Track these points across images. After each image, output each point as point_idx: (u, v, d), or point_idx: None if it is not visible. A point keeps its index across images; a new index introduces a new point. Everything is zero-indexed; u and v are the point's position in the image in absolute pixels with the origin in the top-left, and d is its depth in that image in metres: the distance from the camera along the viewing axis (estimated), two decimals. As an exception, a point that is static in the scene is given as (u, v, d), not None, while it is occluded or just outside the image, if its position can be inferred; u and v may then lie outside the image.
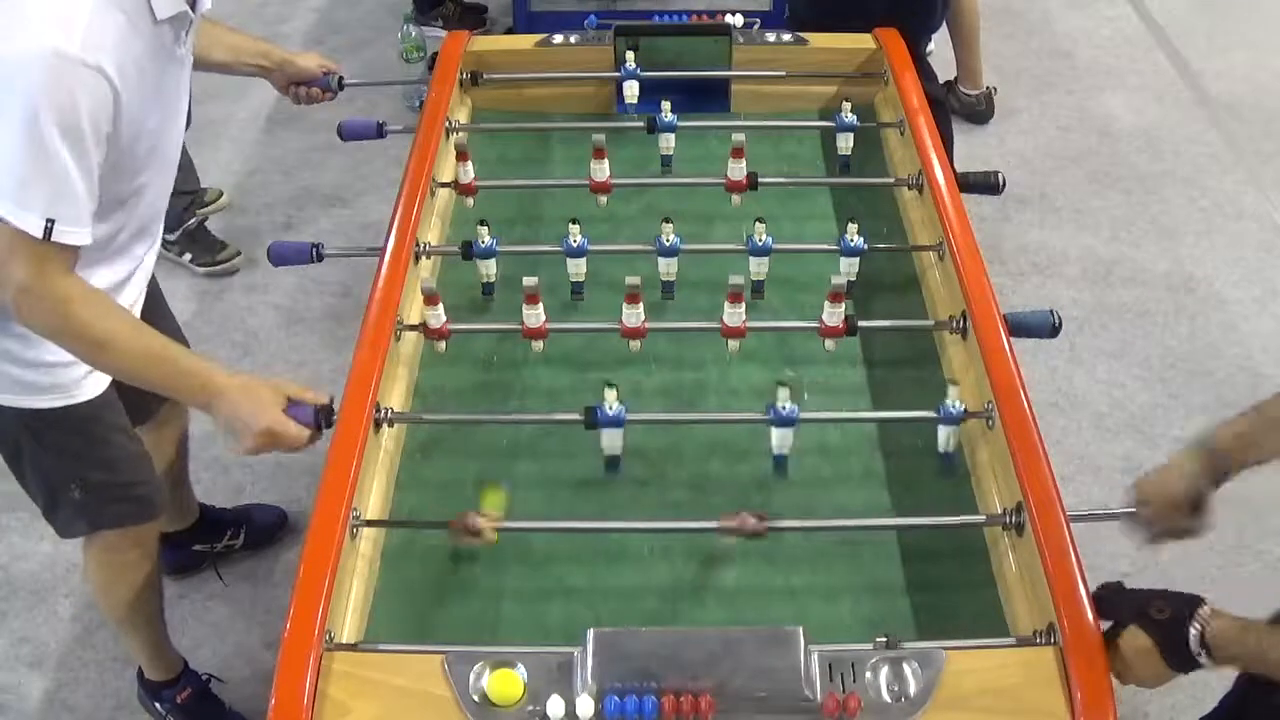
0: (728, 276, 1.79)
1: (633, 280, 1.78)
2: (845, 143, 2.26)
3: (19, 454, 1.93)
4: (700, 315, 1.95)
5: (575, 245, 1.96)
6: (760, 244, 1.96)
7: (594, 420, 1.68)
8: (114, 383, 1.91)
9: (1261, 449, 1.52)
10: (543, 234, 2.15)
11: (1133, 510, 1.58)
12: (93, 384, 1.86)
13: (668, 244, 1.96)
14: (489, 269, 2.01)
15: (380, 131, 2.35)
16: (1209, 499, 1.55)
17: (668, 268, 1.98)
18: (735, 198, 2.13)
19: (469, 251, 1.99)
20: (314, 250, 2.05)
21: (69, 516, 2.01)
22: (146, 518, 2.06)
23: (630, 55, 2.31)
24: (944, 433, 1.72)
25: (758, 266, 1.98)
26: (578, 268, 1.98)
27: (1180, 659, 1.35)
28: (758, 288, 1.99)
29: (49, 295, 1.58)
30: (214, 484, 2.79)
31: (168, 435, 2.37)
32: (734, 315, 1.83)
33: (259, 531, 2.66)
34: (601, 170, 2.10)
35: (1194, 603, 1.36)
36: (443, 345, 1.86)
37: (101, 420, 1.91)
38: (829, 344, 1.86)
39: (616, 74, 2.46)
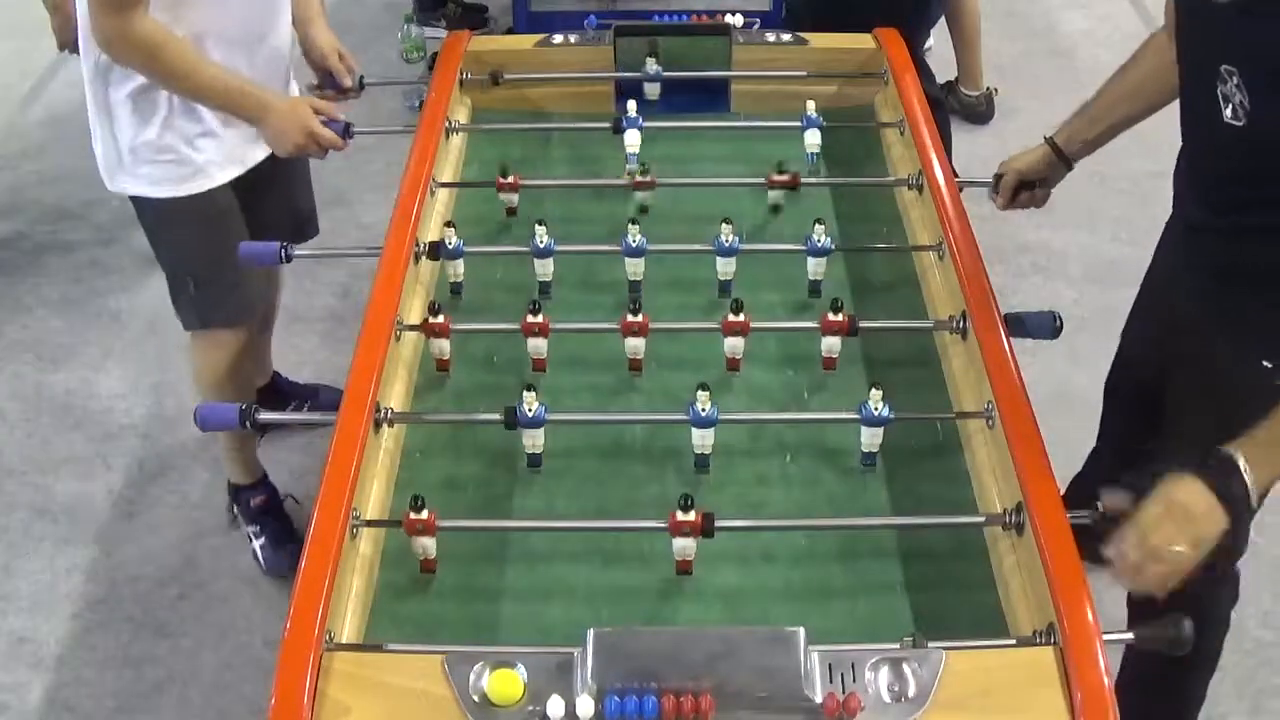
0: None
1: (634, 317, 1.82)
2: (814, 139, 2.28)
3: (155, 244, 2.36)
4: (700, 314, 1.96)
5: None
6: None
7: (513, 421, 1.70)
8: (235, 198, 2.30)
9: (1090, 143, 2.06)
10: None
11: (995, 178, 2.15)
12: (209, 177, 2.22)
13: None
14: (457, 269, 2.03)
15: (347, 132, 2.35)
16: (1055, 180, 2.12)
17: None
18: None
19: (436, 253, 2.00)
20: (282, 251, 2.03)
21: (187, 309, 2.40)
22: (248, 316, 2.46)
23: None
24: (866, 434, 1.72)
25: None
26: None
27: (1235, 494, 1.42)
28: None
29: (134, 38, 1.96)
30: (214, 482, 2.79)
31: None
32: (733, 347, 1.85)
33: (322, 410, 2.72)
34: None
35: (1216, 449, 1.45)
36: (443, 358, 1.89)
37: (219, 215, 2.27)
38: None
39: (617, 74, 2.47)
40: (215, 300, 2.37)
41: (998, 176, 2.15)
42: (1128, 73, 1.99)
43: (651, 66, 2.44)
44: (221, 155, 2.23)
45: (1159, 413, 1.99)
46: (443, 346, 1.88)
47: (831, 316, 1.84)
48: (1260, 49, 1.55)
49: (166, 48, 2.00)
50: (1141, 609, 2.07)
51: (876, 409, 1.69)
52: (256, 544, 2.65)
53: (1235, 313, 1.74)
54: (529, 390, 1.69)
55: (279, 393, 2.91)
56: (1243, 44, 1.57)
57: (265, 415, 1.78)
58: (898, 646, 1.39)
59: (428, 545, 1.59)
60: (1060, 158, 2.08)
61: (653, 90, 2.46)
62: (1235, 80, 1.57)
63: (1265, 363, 1.72)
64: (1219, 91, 1.60)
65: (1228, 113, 1.60)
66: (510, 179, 2.15)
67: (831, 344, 1.87)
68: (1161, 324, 1.96)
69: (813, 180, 2.24)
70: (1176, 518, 1.43)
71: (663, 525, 1.55)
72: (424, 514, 1.56)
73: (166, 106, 2.13)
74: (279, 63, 2.27)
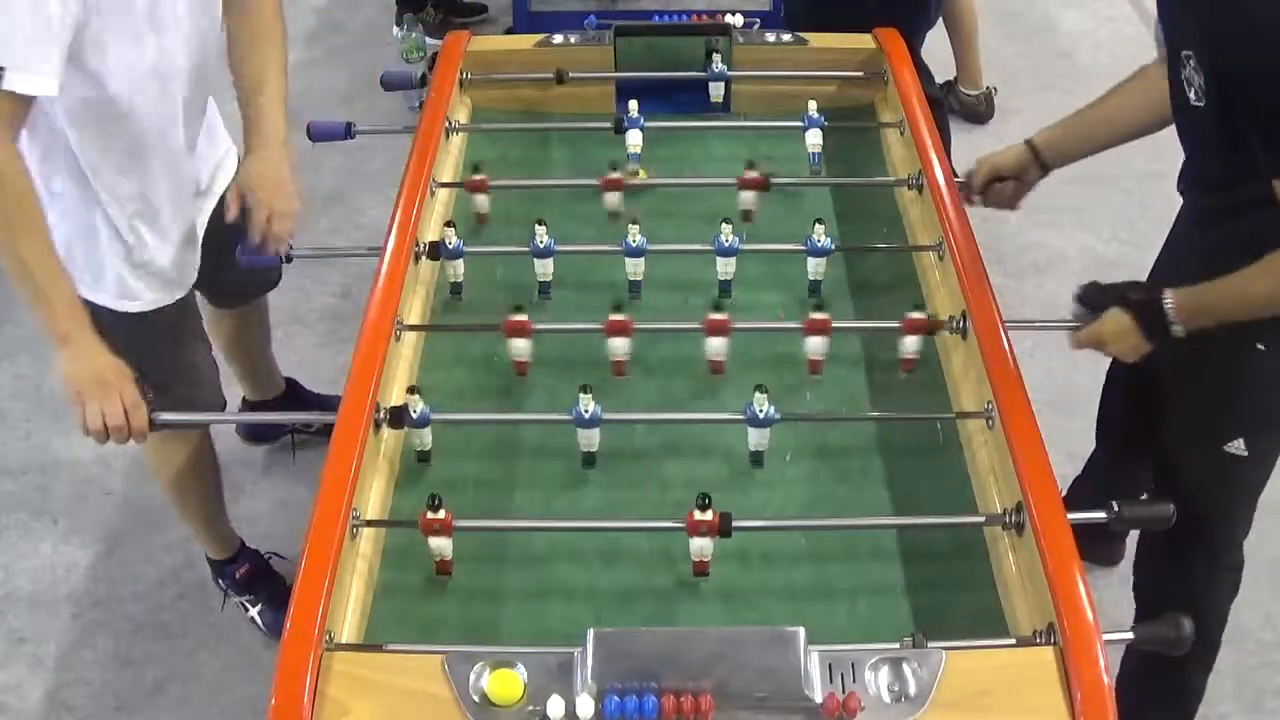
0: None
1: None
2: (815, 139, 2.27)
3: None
4: (701, 314, 1.96)
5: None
6: (820, 245, 1.97)
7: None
8: (200, 278, 2.10)
9: (1068, 154, 2.08)
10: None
11: (967, 174, 2.15)
12: (152, 298, 2.01)
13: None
14: (456, 270, 2.02)
15: (349, 132, 2.34)
16: (1029, 182, 2.12)
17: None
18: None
19: (436, 253, 1.98)
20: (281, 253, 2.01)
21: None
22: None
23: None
24: (753, 435, 1.72)
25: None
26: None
27: (1156, 330, 1.73)
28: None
29: None
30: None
31: (252, 317, 2.59)
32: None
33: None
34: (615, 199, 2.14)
35: (1160, 287, 1.74)
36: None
37: (161, 333, 2.05)
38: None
39: (616, 74, 2.47)
40: (161, 406, 2.00)
41: (970, 173, 2.16)
42: (1116, 96, 2.02)
43: (717, 65, 2.43)
44: (158, 285, 2.02)
45: (1155, 398, 2.02)
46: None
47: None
48: (1204, 32, 1.62)
49: (15, 189, 1.65)
50: (1147, 602, 2.10)
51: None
52: (254, 611, 2.52)
53: None
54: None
55: (298, 401, 2.85)
56: (1192, 29, 1.65)
57: (248, 415, 1.76)
58: (898, 646, 1.39)
59: (444, 546, 1.58)
60: (1037, 161, 2.09)
61: (717, 91, 2.45)
62: (1192, 64, 1.64)
63: (1259, 345, 1.78)
64: (1183, 76, 1.67)
65: (1192, 95, 1.66)
66: (480, 177, 2.14)
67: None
68: None
69: (812, 180, 2.25)
70: (1108, 341, 1.81)
71: (680, 525, 1.55)
72: (440, 514, 1.55)
73: (105, 231, 1.92)
74: (189, 170, 2.02)
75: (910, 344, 1.86)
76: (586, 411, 1.69)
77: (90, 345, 1.77)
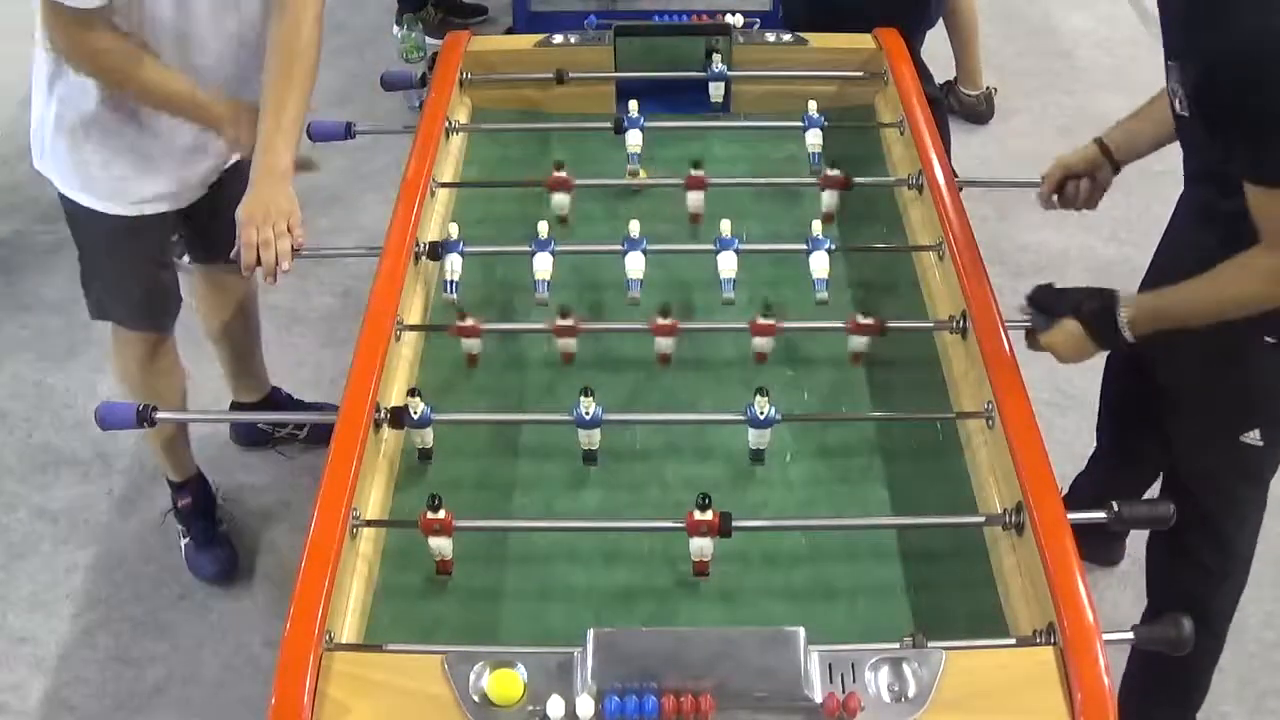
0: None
1: (664, 321, 1.83)
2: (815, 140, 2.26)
3: (70, 228, 2.28)
4: (702, 315, 1.96)
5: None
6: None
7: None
8: (181, 218, 2.27)
9: (1137, 150, 2.07)
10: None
11: (1042, 177, 2.15)
12: (121, 206, 2.18)
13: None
14: (454, 266, 2.00)
15: (349, 132, 2.34)
16: (1103, 181, 2.11)
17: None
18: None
19: (437, 252, 1.98)
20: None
21: (91, 297, 2.36)
22: (148, 328, 2.38)
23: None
24: (753, 434, 1.72)
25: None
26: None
27: (1108, 340, 1.78)
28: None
29: (83, 51, 1.95)
30: (214, 481, 2.79)
31: (230, 287, 2.60)
32: (763, 344, 1.86)
33: (323, 427, 2.71)
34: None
35: (1113, 295, 1.77)
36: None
37: (129, 241, 2.22)
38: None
39: (616, 74, 2.47)
40: (117, 303, 2.35)
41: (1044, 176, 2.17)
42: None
43: (717, 65, 2.42)
44: (143, 192, 2.18)
45: (1158, 393, 2.04)
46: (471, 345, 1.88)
47: (863, 319, 1.84)
48: (1182, 45, 1.65)
49: (115, 59, 1.96)
50: (1158, 594, 2.11)
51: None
52: (183, 543, 2.64)
53: None
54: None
55: (279, 408, 2.86)
56: (1174, 42, 1.68)
57: (244, 415, 1.77)
58: (898, 646, 1.39)
59: (444, 546, 1.59)
60: (1107, 157, 2.09)
61: (717, 91, 2.45)
62: (1176, 75, 1.67)
63: (1268, 338, 1.79)
64: (1170, 85, 1.70)
65: (1177, 104, 1.69)
66: (563, 175, 2.11)
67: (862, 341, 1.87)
68: None
69: (812, 180, 2.24)
70: (1060, 351, 1.87)
71: (680, 525, 1.55)
72: (440, 514, 1.56)
73: (98, 134, 2.10)
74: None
75: (859, 342, 1.87)
76: (587, 414, 1.69)
77: (227, 110, 2.07)
